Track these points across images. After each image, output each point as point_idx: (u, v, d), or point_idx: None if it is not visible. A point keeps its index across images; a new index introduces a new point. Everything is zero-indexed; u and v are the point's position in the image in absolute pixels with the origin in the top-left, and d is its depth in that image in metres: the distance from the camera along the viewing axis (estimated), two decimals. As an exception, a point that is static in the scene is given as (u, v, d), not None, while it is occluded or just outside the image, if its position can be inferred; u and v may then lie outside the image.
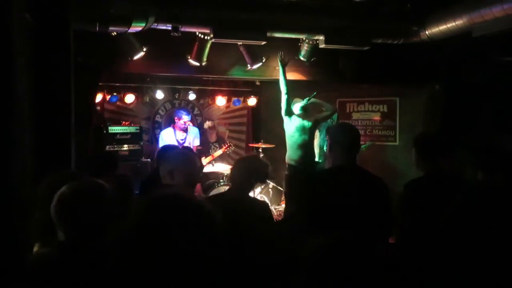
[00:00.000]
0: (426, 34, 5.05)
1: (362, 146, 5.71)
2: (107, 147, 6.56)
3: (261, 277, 2.04)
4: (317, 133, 5.90)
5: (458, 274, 1.25)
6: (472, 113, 5.68)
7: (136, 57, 5.13)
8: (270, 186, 6.77)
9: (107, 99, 6.97)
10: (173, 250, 0.94)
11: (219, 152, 6.81)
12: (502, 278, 1.18)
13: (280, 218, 6.34)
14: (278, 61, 5.25)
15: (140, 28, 4.49)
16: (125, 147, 6.79)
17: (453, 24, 4.59)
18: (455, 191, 1.34)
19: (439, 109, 6.13)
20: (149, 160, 6.80)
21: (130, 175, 3.79)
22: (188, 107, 7.90)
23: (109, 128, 6.72)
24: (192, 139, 6.60)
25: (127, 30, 4.48)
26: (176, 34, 4.64)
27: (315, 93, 5.29)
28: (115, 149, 6.64)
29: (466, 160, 2.81)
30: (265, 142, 6.89)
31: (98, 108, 6.86)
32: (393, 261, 1.06)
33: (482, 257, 1.21)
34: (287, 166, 5.34)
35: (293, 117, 5.21)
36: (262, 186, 6.71)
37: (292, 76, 5.76)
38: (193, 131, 6.74)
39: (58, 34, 3.32)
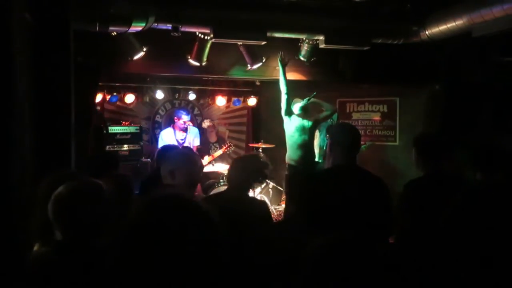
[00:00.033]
0: (426, 34, 5.05)
1: (362, 146, 5.71)
2: (107, 147, 6.56)
3: (260, 277, 2.04)
4: (317, 133, 5.90)
5: (458, 274, 1.25)
6: (472, 113, 5.68)
7: (136, 57, 5.13)
8: (270, 186, 6.77)
9: (107, 99, 6.97)
10: (171, 250, 0.94)
11: (219, 152, 6.81)
12: (502, 278, 1.18)
13: (280, 218, 6.34)
14: (278, 61, 5.26)
15: (140, 28, 4.49)
16: (125, 147, 6.79)
17: (453, 24, 4.59)
18: (455, 191, 1.34)
19: (439, 109, 6.13)
20: (149, 160, 6.81)
21: (130, 175, 3.78)
22: (188, 107, 7.90)
23: (109, 128, 6.72)
24: (192, 139, 6.61)
25: (127, 30, 4.48)
26: (176, 34, 4.65)
27: (315, 93, 5.29)
28: (115, 149, 6.64)
29: (465, 160, 2.81)
30: (265, 142, 6.89)
31: (98, 108, 6.87)
32: (393, 261, 1.06)
33: (482, 257, 1.21)
34: (287, 166, 5.34)
35: (293, 117, 5.21)
36: (262, 186, 6.71)
37: (292, 76, 5.76)
38: (193, 131, 6.74)
39: (58, 34, 3.32)
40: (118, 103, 7.18)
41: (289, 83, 5.21)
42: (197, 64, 5.33)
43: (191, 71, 5.67)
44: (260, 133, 7.75)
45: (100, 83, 6.06)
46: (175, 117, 6.55)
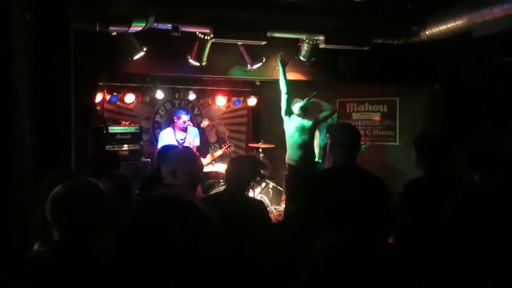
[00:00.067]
0: (426, 34, 5.05)
1: (362, 146, 5.71)
2: (107, 147, 6.55)
3: (259, 277, 2.04)
4: (317, 133, 5.90)
5: (458, 274, 1.25)
6: (472, 113, 5.68)
7: (136, 57, 5.13)
8: (270, 186, 6.77)
9: (107, 99, 6.97)
10: (167, 250, 0.94)
11: (219, 152, 6.81)
12: (502, 278, 1.18)
13: (280, 218, 6.34)
14: (278, 61, 5.26)
15: (140, 28, 4.49)
16: (125, 147, 6.79)
17: (453, 24, 4.59)
18: (454, 191, 1.34)
19: (439, 109, 6.13)
20: (149, 160, 6.80)
21: (130, 175, 3.78)
22: (188, 107, 7.90)
23: (109, 128, 6.72)
24: (192, 139, 6.60)
25: (127, 30, 4.49)
26: (176, 34, 4.65)
27: (315, 93, 5.29)
28: (115, 149, 6.63)
29: (464, 161, 2.80)
30: (265, 142, 6.89)
31: (98, 108, 6.86)
32: (393, 261, 1.06)
33: (481, 257, 1.21)
34: (287, 166, 5.34)
35: (293, 117, 5.22)
36: (262, 186, 6.71)
37: (292, 76, 5.76)
38: (193, 131, 6.73)
39: (58, 34, 3.32)
40: (118, 103, 7.18)
41: (289, 83, 5.21)
42: (197, 64, 5.33)
43: (191, 71, 5.67)
44: (260, 133, 7.75)
45: (100, 83, 6.07)
46: (175, 117, 6.55)
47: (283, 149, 5.44)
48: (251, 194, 6.45)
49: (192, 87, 7.32)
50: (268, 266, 2.02)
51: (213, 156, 6.74)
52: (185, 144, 6.35)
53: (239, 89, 7.76)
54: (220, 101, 7.67)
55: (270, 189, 6.78)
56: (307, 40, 5.42)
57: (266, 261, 2.05)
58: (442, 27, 4.78)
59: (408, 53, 5.57)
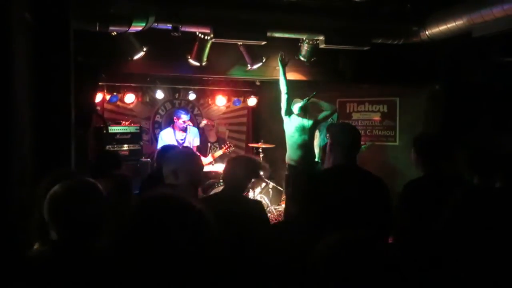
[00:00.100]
0: (426, 34, 5.05)
1: (362, 146, 5.71)
2: (107, 147, 6.56)
3: (257, 278, 2.04)
4: (317, 133, 5.89)
5: (458, 274, 1.25)
6: (472, 113, 5.68)
7: (136, 57, 5.13)
8: (270, 186, 6.77)
9: (107, 99, 6.97)
10: (165, 250, 0.94)
11: (219, 152, 6.82)
12: (501, 278, 1.18)
13: (280, 218, 6.34)
14: (278, 61, 5.26)
15: (140, 28, 4.49)
16: (125, 147, 6.79)
17: (453, 24, 4.59)
18: (454, 191, 1.34)
19: (439, 109, 6.13)
20: (149, 160, 6.81)
21: (130, 175, 3.79)
22: (188, 107, 7.90)
23: (109, 128, 6.72)
24: (192, 139, 6.60)
25: (127, 30, 4.49)
26: (176, 34, 4.65)
27: (314, 93, 5.29)
28: (115, 149, 6.64)
29: (464, 164, 2.80)
30: (265, 142, 6.89)
31: (98, 108, 6.86)
32: (393, 261, 1.06)
33: (481, 257, 1.21)
34: (287, 166, 5.34)
35: (293, 117, 5.22)
36: (262, 186, 6.71)
37: (292, 76, 5.76)
38: (193, 131, 6.73)
39: (58, 34, 3.31)
40: (118, 103, 7.18)
41: (289, 83, 5.21)
42: (197, 64, 5.33)
43: (191, 71, 5.67)
44: (260, 133, 7.75)
45: (100, 83, 6.06)
46: (175, 117, 6.55)
47: (283, 149, 5.44)
48: (251, 194, 6.45)
49: (192, 87, 7.32)
50: (267, 266, 2.02)
51: (213, 156, 6.74)
52: (185, 144, 6.35)
53: (239, 89, 7.76)
54: (220, 101, 7.67)
55: (270, 189, 6.78)
56: (307, 40, 5.42)
57: (265, 261, 2.05)
58: (442, 27, 4.78)
59: (408, 53, 5.56)
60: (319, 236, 1.12)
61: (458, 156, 2.91)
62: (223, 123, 8.19)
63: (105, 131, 6.60)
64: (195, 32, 4.95)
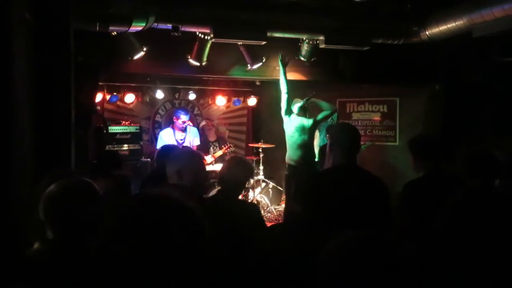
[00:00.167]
0: (426, 34, 5.05)
1: (362, 146, 5.71)
2: (107, 147, 6.56)
3: (256, 278, 2.04)
4: (317, 133, 5.90)
5: (458, 273, 1.25)
6: (472, 113, 5.68)
7: (136, 57, 5.13)
8: (270, 186, 6.77)
9: (107, 99, 6.97)
10: (160, 250, 0.94)
11: (219, 152, 6.83)
12: (501, 278, 1.18)
13: (280, 218, 6.34)
14: (279, 61, 5.26)
15: (140, 28, 4.49)
16: (125, 147, 6.79)
17: (453, 24, 4.59)
18: (454, 191, 1.34)
19: (439, 109, 6.13)
20: (149, 160, 6.80)
21: (130, 175, 3.79)
22: (188, 107, 7.90)
23: (109, 128, 6.72)
24: (192, 139, 6.61)
25: (127, 30, 4.49)
26: (176, 34, 4.65)
27: (314, 93, 5.29)
28: (115, 149, 6.63)
29: (461, 167, 2.79)
30: (265, 142, 6.89)
31: (98, 108, 6.86)
32: (393, 261, 1.06)
33: (481, 256, 1.21)
34: (287, 166, 5.34)
35: (293, 117, 5.22)
36: (262, 186, 6.71)
37: (292, 76, 5.76)
38: (193, 131, 6.74)
39: (58, 34, 3.31)
40: (118, 102, 7.18)
41: (289, 83, 5.21)
42: (197, 64, 5.33)
43: (191, 71, 5.67)
44: (260, 133, 7.75)
45: (100, 83, 6.06)
46: (174, 117, 6.55)
47: (283, 149, 5.44)
48: (251, 194, 6.45)
49: (192, 87, 7.32)
50: (266, 266, 2.02)
51: (214, 156, 6.75)
52: (184, 144, 6.35)
53: (239, 89, 7.76)
54: (220, 101, 7.67)
55: (270, 189, 6.78)
56: (307, 40, 5.42)
57: (262, 262, 2.05)
58: (442, 27, 4.78)
59: (408, 53, 5.56)
60: (320, 236, 1.12)
61: (458, 156, 2.90)
62: (223, 123, 8.19)
63: (105, 131, 6.59)
64: (195, 32, 4.95)
